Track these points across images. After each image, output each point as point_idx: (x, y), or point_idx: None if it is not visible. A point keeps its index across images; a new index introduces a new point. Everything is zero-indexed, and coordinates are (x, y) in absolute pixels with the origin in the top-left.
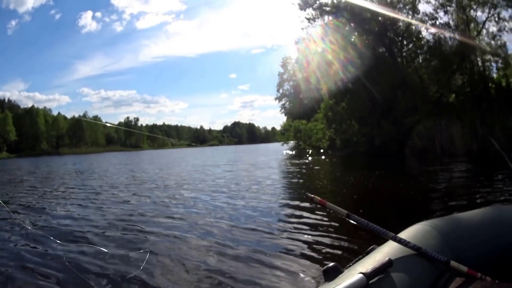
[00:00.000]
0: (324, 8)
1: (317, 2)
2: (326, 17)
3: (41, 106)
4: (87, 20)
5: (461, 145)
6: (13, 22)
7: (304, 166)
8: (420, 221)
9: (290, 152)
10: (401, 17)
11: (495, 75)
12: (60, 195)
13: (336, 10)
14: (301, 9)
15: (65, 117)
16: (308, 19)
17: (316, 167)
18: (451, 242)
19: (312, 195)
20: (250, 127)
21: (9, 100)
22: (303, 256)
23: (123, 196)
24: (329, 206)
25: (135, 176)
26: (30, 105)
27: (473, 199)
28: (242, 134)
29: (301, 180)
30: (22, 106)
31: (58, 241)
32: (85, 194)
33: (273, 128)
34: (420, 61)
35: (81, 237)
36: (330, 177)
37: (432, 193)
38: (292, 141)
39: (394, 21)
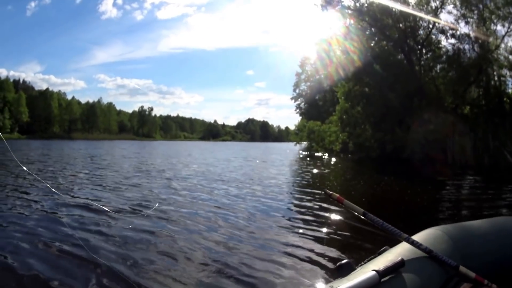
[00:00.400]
0: (346, 10)
1: (340, 4)
2: (348, 20)
3: (56, 89)
4: (108, 7)
5: (472, 157)
6: (32, 4)
7: (316, 167)
8: (427, 226)
9: (303, 153)
10: (424, 16)
11: (510, 90)
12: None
13: (358, 14)
14: (323, 10)
15: (79, 102)
16: (330, 21)
17: (328, 169)
18: (461, 248)
19: (331, 192)
20: (264, 125)
21: (23, 81)
22: (317, 251)
23: (141, 183)
24: (347, 203)
25: (154, 165)
26: (45, 87)
27: (481, 209)
28: (255, 131)
29: (314, 179)
30: (36, 88)
31: (66, 226)
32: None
33: (287, 128)
34: (438, 70)
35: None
36: (341, 178)
37: (440, 202)
38: (305, 142)
39: (415, 29)
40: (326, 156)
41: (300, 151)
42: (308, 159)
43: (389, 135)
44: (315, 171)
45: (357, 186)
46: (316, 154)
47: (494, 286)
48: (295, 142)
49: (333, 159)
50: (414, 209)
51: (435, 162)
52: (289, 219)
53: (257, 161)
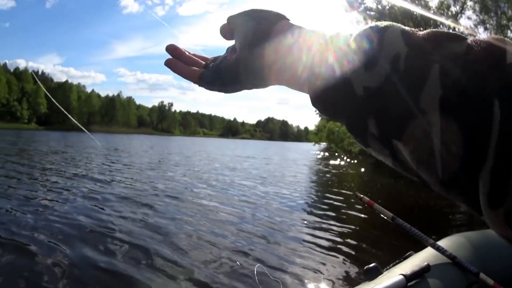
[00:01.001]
0: (368, 12)
1: (362, 5)
2: (369, 22)
3: (75, 82)
4: (129, 1)
5: None
6: None
7: (335, 167)
8: (445, 232)
9: (322, 153)
10: (444, 21)
11: None
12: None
13: (380, 16)
14: (346, 11)
15: (98, 95)
16: (352, 22)
17: (346, 170)
18: (481, 255)
19: (362, 195)
20: (284, 124)
21: (42, 73)
22: (343, 253)
23: (174, 175)
24: (377, 207)
25: (186, 160)
26: (64, 79)
27: None
28: (274, 130)
29: (334, 180)
30: (55, 80)
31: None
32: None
33: (306, 128)
34: None
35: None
36: (358, 180)
37: (459, 208)
38: (324, 143)
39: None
40: (345, 157)
41: (319, 152)
42: (327, 159)
43: None
44: (334, 171)
45: (374, 188)
46: (335, 155)
47: None
48: (314, 143)
49: (352, 161)
50: (434, 215)
51: None
52: (314, 219)
53: (279, 160)
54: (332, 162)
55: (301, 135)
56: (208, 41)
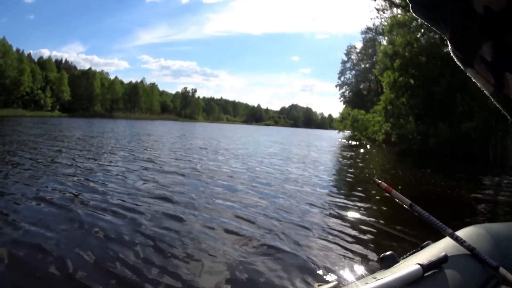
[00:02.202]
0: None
1: None
2: (394, 10)
3: (98, 69)
4: None
5: None
6: None
7: (358, 155)
8: (465, 223)
9: (346, 141)
10: None
11: None
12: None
13: (405, 4)
14: None
15: (122, 82)
16: (378, 10)
17: (369, 158)
18: (502, 248)
19: (379, 181)
20: (307, 111)
21: (66, 61)
22: (359, 240)
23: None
24: (394, 194)
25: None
26: (87, 67)
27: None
28: (298, 117)
29: (357, 166)
30: (79, 68)
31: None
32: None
33: (330, 115)
34: None
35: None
36: (380, 168)
37: (480, 200)
38: (348, 130)
39: None
40: (368, 145)
41: (343, 139)
42: (351, 147)
43: (432, 128)
44: (357, 159)
45: (395, 176)
46: (359, 143)
47: None
48: (338, 130)
49: (375, 149)
50: (452, 205)
51: (475, 160)
52: (332, 204)
53: (306, 146)
54: (355, 149)
55: (325, 123)
56: (232, 28)
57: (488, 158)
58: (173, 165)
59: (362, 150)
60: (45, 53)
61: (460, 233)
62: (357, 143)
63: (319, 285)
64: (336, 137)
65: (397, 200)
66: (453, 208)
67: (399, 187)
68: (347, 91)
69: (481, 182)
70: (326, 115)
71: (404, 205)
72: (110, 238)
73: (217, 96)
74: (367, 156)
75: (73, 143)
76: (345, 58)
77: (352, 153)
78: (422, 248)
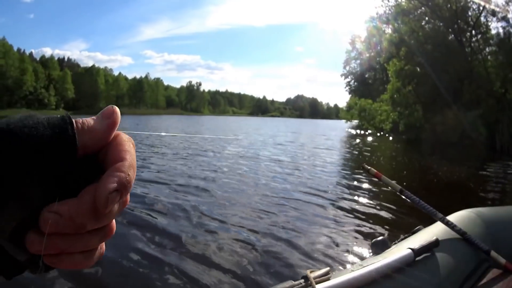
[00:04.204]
0: None
1: None
2: None
3: (102, 66)
4: None
5: None
6: None
7: (365, 144)
8: (463, 208)
9: (354, 131)
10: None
11: None
12: None
13: None
14: None
15: (126, 78)
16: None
17: (377, 147)
18: (493, 232)
19: (369, 167)
20: (313, 102)
21: (69, 59)
22: (352, 226)
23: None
24: (384, 179)
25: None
26: (91, 64)
27: None
28: (304, 108)
29: (360, 155)
30: (82, 65)
31: None
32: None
33: (336, 105)
34: (487, 53)
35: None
36: (388, 156)
37: (482, 186)
38: (355, 120)
39: (465, 9)
40: (375, 134)
41: (351, 129)
42: (359, 136)
43: (439, 117)
44: (364, 148)
45: (401, 163)
46: (366, 132)
47: None
48: (345, 120)
49: (383, 138)
50: (451, 191)
51: (483, 147)
52: (326, 192)
53: (312, 136)
54: (363, 139)
55: (331, 113)
56: (235, 20)
57: (495, 146)
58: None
59: (369, 139)
60: (47, 51)
61: (452, 217)
62: (365, 132)
63: (311, 271)
64: (343, 127)
65: (387, 186)
66: (458, 194)
67: (404, 175)
68: (353, 81)
69: (487, 169)
70: (331, 105)
71: (395, 190)
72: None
73: (222, 89)
74: (373, 145)
75: None
76: (350, 48)
77: (360, 143)
78: (413, 233)
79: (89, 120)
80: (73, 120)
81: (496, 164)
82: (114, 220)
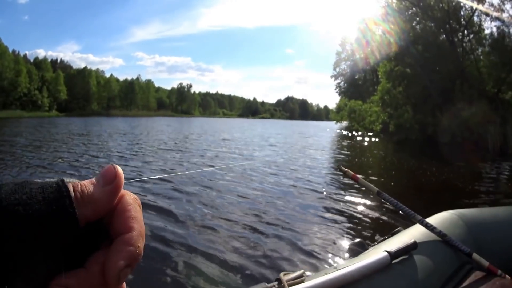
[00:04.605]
0: None
1: None
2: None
3: (94, 68)
4: None
5: None
6: None
7: (354, 145)
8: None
9: (343, 132)
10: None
11: None
12: None
13: None
14: None
15: (117, 79)
16: (371, 0)
17: (365, 148)
18: (475, 234)
19: (346, 169)
20: (303, 103)
21: (61, 61)
22: (329, 230)
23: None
24: (361, 182)
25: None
26: (83, 66)
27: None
28: (294, 109)
29: (345, 156)
30: (75, 67)
31: None
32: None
33: (326, 106)
34: (480, 53)
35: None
36: (375, 158)
37: (471, 187)
38: (345, 121)
39: (458, 9)
40: (365, 135)
41: (341, 130)
42: (348, 137)
43: (430, 117)
44: (351, 149)
45: (389, 164)
46: (356, 133)
47: (507, 277)
48: (335, 121)
49: (373, 139)
50: (442, 191)
51: (475, 147)
52: (304, 195)
53: (303, 137)
54: (352, 139)
55: (321, 114)
56: (226, 22)
57: (487, 146)
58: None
59: (358, 141)
60: (41, 53)
61: (432, 219)
62: (356, 133)
63: (285, 274)
64: (333, 128)
65: (364, 188)
66: (440, 196)
67: (392, 172)
68: (343, 82)
69: (478, 170)
70: (322, 106)
71: (372, 192)
72: None
73: (212, 90)
74: (362, 147)
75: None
76: (340, 49)
77: (348, 143)
78: (392, 235)
79: (88, 187)
80: (70, 189)
81: (488, 165)
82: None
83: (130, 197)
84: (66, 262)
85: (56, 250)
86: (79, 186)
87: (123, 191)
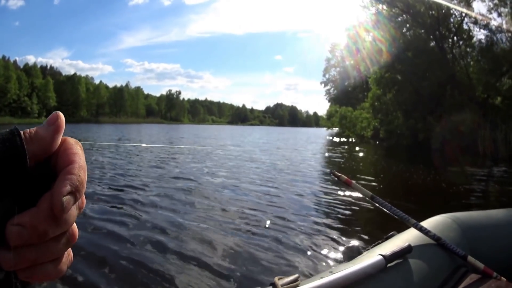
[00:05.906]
0: None
1: None
2: (380, 6)
3: (83, 74)
4: None
5: (504, 149)
6: None
7: (344, 151)
8: (440, 213)
9: (335, 138)
10: (457, 7)
11: None
12: None
13: (391, 1)
14: None
15: (106, 86)
16: (363, 6)
17: (356, 154)
18: (470, 237)
19: (339, 174)
20: (293, 110)
21: (51, 67)
22: (323, 234)
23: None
24: (355, 186)
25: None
26: (72, 72)
27: (503, 201)
28: (284, 116)
29: (338, 161)
30: (64, 74)
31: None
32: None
33: (315, 113)
34: (470, 60)
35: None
36: (365, 162)
37: (463, 192)
38: (336, 128)
39: (447, 16)
40: (356, 141)
41: (332, 137)
42: (339, 144)
43: (421, 123)
44: (343, 155)
45: (380, 170)
46: (348, 139)
47: (503, 279)
48: (326, 128)
49: (364, 146)
50: (434, 196)
51: (465, 152)
52: (298, 200)
53: (292, 145)
54: (343, 146)
55: (310, 120)
56: (215, 29)
57: (478, 151)
58: None
59: (349, 147)
60: (31, 59)
61: (426, 223)
62: (346, 139)
63: (279, 278)
64: (324, 135)
65: (357, 193)
66: (433, 200)
67: (382, 176)
68: (332, 89)
69: (470, 174)
70: (311, 113)
71: (365, 197)
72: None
73: (201, 97)
74: (353, 153)
75: None
76: (329, 56)
77: (339, 150)
78: (387, 239)
79: (36, 129)
80: (21, 132)
81: (479, 169)
82: (75, 224)
83: (72, 140)
84: (20, 205)
85: (8, 190)
86: (28, 129)
87: (65, 137)
